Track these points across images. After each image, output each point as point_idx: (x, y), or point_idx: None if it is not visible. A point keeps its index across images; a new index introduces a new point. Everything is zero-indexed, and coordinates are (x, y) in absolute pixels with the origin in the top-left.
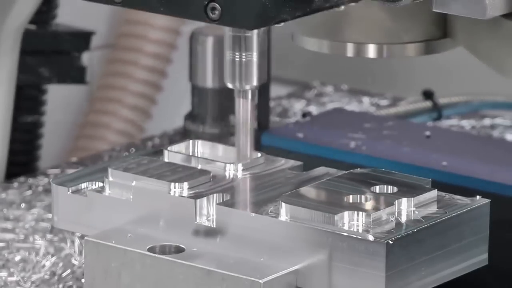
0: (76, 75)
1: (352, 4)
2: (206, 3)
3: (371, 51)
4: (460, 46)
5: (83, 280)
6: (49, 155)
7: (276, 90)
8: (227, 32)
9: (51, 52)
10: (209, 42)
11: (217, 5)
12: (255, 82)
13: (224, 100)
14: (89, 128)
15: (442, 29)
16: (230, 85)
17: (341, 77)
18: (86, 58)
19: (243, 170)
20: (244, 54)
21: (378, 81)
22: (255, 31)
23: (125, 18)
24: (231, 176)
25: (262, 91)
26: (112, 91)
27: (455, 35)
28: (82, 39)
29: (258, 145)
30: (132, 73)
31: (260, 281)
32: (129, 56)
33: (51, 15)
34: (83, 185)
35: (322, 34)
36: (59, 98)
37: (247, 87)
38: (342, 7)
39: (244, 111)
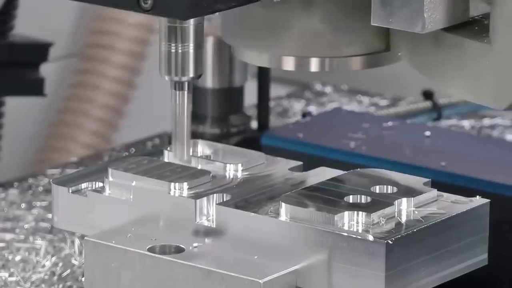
0: (34, 87)
1: (291, 11)
2: None
3: (313, 64)
4: (403, 60)
5: (83, 279)
6: (6, 168)
7: (276, 90)
8: (163, 22)
9: (8, 64)
10: (209, 42)
11: None
12: (191, 74)
13: (224, 100)
14: (55, 140)
15: (384, 42)
16: (166, 77)
17: (341, 77)
18: (49, 69)
19: (243, 170)
20: (180, 45)
21: (378, 81)
22: (191, 22)
23: (92, 27)
24: (231, 176)
25: (262, 91)
26: (79, 102)
27: (397, 49)
28: (40, 50)
29: (258, 145)
30: (100, 84)
31: (260, 281)
32: (97, 67)
33: (8, 26)
34: (83, 185)
35: (263, 48)
36: (17, 110)
37: (184, 78)
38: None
39: (181, 103)
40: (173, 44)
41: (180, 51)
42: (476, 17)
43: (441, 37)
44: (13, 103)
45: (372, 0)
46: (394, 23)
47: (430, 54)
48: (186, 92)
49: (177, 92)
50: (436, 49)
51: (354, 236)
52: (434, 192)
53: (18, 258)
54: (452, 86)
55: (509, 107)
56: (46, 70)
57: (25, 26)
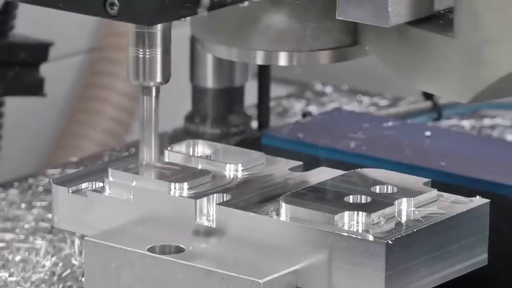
0: (34, 87)
1: (259, 5)
2: None
3: (281, 58)
4: (371, 54)
5: (83, 279)
6: (6, 168)
7: (276, 90)
8: (131, 28)
9: (8, 64)
10: None
11: (116, 0)
12: (158, 79)
13: (225, 100)
14: (69, 138)
15: (352, 37)
16: (134, 82)
17: (342, 77)
18: (48, 69)
19: (243, 170)
20: (147, 50)
21: (378, 81)
22: (158, 27)
23: (107, 30)
24: (231, 176)
25: (262, 91)
26: (94, 102)
27: (365, 43)
28: (40, 50)
29: (258, 145)
30: (114, 85)
31: (260, 281)
32: (111, 69)
33: (8, 26)
34: (83, 185)
35: (231, 42)
36: (17, 110)
37: (151, 83)
38: (246, 3)
39: (148, 108)
40: (140, 50)
41: (147, 56)
42: (441, 11)
43: (406, 31)
44: (13, 103)
45: None
46: (359, 17)
47: (396, 48)
48: (153, 97)
49: (145, 97)
50: (401, 43)
51: (354, 236)
52: (434, 192)
53: (18, 258)
54: (417, 79)
55: (472, 100)
56: (46, 70)
57: (25, 25)
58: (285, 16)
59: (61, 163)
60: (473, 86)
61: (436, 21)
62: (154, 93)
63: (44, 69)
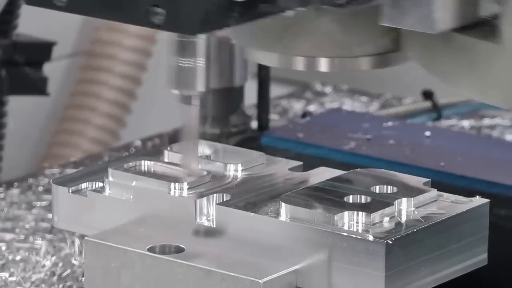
0: (37, 86)
1: (301, 12)
2: (148, 8)
3: (323, 64)
4: (413, 61)
5: (83, 279)
6: (8, 168)
7: (276, 90)
8: (173, 37)
9: (11, 63)
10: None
11: (160, 10)
12: (200, 88)
13: (225, 100)
14: (62, 135)
15: (395, 43)
16: (175, 91)
17: (341, 77)
18: (52, 68)
19: (243, 170)
20: (190, 59)
21: (378, 81)
22: (202, 36)
23: (97, 25)
24: (231, 176)
25: (262, 91)
26: (86, 98)
27: (408, 49)
28: (43, 49)
29: (258, 145)
30: (107, 80)
31: (260, 281)
32: (104, 63)
33: (12, 26)
34: (83, 185)
35: (273, 48)
36: (20, 109)
37: (192, 93)
38: (291, 13)
39: (189, 117)
40: (182, 58)
41: (189, 65)
42: (486, 18)
43: (451, 37)
44: (16, 102)
45: (383, 0)
46: (404, 23)
47: (440, 55)
48: (194, 107)
49: (185, 106)
50: (446, 50)
51: (354, 236)
52: (434, 192)
53: (18, 258)
54: (461, 86)
55: None
56: (49, 69)
57: (29, 25)
58: (327, 22)
59: (60, 163)
60: None
61: (482, 27)
62: (195, 103)
63: (46, 68)
